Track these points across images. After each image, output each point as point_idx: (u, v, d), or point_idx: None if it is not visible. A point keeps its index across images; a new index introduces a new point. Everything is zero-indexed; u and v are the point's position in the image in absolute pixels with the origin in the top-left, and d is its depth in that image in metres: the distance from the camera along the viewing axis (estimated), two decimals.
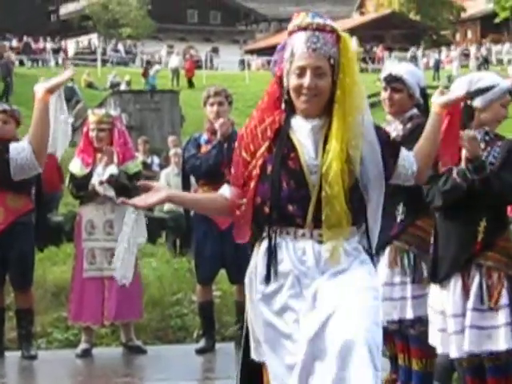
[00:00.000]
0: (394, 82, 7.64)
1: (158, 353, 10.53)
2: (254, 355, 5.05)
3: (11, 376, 8.80)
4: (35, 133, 5.02)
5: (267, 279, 4.82)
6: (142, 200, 4.83)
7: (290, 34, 4.88)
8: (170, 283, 13.90)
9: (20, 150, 5.00)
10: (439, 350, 7.12)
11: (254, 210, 4.90)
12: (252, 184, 4.84)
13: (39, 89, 5.14)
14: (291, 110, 4.87)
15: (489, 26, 65.00)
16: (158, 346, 11.17)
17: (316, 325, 4.72)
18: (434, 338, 6.98)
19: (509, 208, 9.18)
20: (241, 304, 8.03)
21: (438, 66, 53.22)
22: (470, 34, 69.02)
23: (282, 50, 4.96)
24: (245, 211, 4.92)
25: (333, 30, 4.81)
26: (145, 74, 46.88)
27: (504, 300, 6.61)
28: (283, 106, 4.90)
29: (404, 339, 7.85)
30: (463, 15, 69.64)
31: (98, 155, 9.86)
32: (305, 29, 4.78)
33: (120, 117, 10.32)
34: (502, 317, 6.62)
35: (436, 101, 5.36)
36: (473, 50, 59.93)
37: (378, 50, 56.06)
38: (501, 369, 6.84)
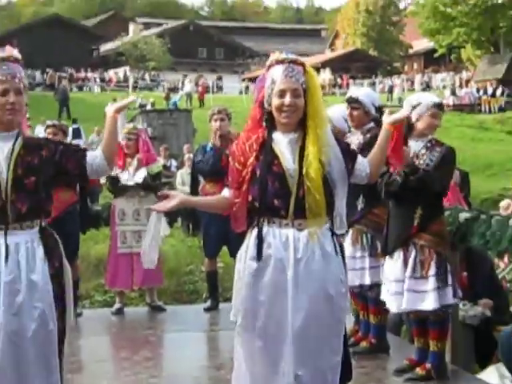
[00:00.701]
0: (352, 102, 7.68)
1: (174, 311, 10.56)
2: (231, 316, 4.91)
3: None
4: (107, 143, 4.89)
5: (258, 258, 4.68)
6: (163, 206, 4.87)
7: (269, 67, 4.93)
8: (184, 257, 13.91)
9: (94, 156, 4.88)
10: (390, 308, 7.10)
11: (247, 205, 4.84)
12: (245, 186, 4.81)
13: (110, 109, 5.02)
14: (272, 127, 4.88)
15: (430, 60, 64.86)
16: (175, 306, 11.08)
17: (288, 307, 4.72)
18: (386, 299, 6.92)
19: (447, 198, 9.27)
20: None
21: (391, 91, 53.02)
22: (415, 66, 68.80)
23: (260, 81, 5.05)
24: (239, 207, 4.91)
25: (302, 64, 4.88)
26: (166, 98, 46.77)
27: (432, 271, 6.64)
28: (264, 124, 4.89)
29: (364, 300, 7.94)
30: (410, 51, 69.41)
31: (128, 159, 9.78)
32: (281, 62, 4.82)
33: (145, 130, 10.60)
34: (430, 283, 6.66)
35: (385, 120, 5.35)
36: (418, 78, 59.85)
37: (345, 79, 55.84)
38: (438, 322, 6.85)
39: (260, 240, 4.79)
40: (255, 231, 4.83)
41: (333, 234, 4.91)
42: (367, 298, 7.79)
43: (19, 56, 4.98)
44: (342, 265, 4.91)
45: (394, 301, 6.90)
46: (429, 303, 6.70)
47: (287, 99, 4.74)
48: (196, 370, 7.36)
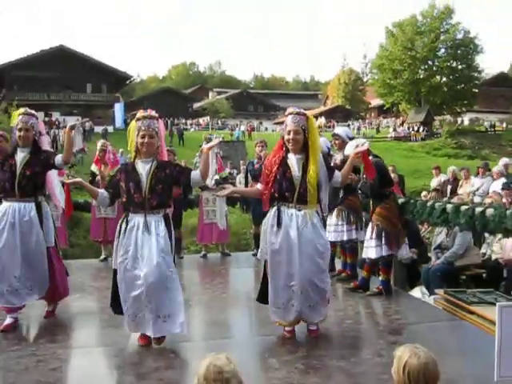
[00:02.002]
0: (335, 135, 7.72)
1: (235, 256, 10.36)
2: (258, 255, 5.47)
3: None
4: (203, 167, 4.94)
5: (278, 225, 5.04)
6: (222, 192, 5.30)
7: (286, 116, 5.22)
8: (241, 224, 13.82)
9: (195, 174, 4.93)
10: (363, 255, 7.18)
11: (271, 195, 5.13)
12: (270, 184, 5.13)
13: (205, 147, 5.09)
14: (287, 150, 5.17)
15: (381, 111, 64.17)
16: (236, 253, 10.89)
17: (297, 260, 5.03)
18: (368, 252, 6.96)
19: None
20: None
21: (359, 129, 52.62)
22: (372, 114, 68.06)
23: (283, 124, 5.28)
24: (267, 196, 5.19)
25: (304, 114, 5.15)
26: (231, 134, 46.71)
27: (374, 234, 6.77)
28: (284, 148, 5.18)
29: (343, 249, 7.90)
30: (370, 106, 68.78)
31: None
32: (291, 114, 5.14)
33: (219, 152, 10.33)
34: (372, 242, 6.81)
35: (353, 152, 5.45)
36: (374, 121, 59.52)
37: (332, 122, 55.29)
38: (385, 263, 6.90)
39: (278, 214, 5.03)
40: (274, 209, 5.10)
41: (318, 213, 5.16)
42: (345, 248, 7.80)
43: (156, 114, 5.06)
44: (323, 231, 5.19)
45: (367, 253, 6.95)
46: (371, 254, 6.80)
47: (291, 136, 5.05)
48: (248, 288, 7.37)
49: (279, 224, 5.03)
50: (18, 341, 5.25)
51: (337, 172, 5.29)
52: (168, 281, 4.88)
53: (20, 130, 5.63)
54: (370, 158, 6.75)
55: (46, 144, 5.98)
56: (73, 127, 5.63)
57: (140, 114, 5.07)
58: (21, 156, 5.64)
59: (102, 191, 5.11)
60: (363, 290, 6.96)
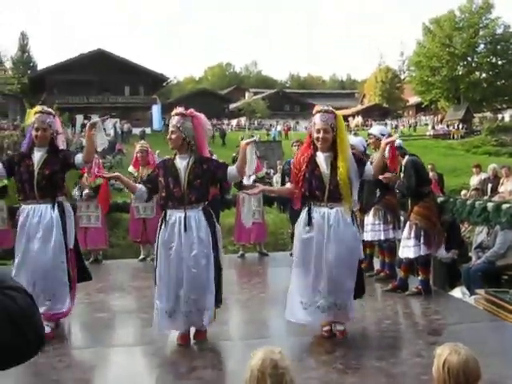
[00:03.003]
0: (370, 135, 7.60)
1: (273, 256, 10.35)
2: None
3: None
4: (240, 163, 4.97)
5: (308, 223, 5.03)
6: (253, 191, 5.39)
7: (314, 114, 5.13)
8: (278, 225, 13.78)
9: (231, 169, 4.98)
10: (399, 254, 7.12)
11: (301, 194, 5.12)
12: (300, 183, 5.11)
13: (242, 143, 5.11)
14: (315, 148, 5.12)
15: (419, 109, 63.27)
16: (273, 253, 10.84)
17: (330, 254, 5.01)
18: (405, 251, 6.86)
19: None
20: None
21: (396, 127, 51.97)
22: (410, 112, 67.21)
23: (311, 122, 5.29)
24: (297, 195, 5.18)
25: (332, 112, 5.08)
26: (267, 134, 46.70)
27: (413, 233, 6.63)
28: (312, 146, 5.13)
29: (381, 248, 7.83)
30: (407, 104, 67.87)
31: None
32: (319, 112, 5.07)
33: (256, 152, 10.26)
34: (411, 242, 6.68)
35: (382, 141, 5.50)
36: (412, 120, 58.70)
37: (370, 121, 54.71)
38: (422, 263, 6.83)
39: (309, 213, 5.01)
40: (306, 208, 5.08)
41: (350, 210, 5.09)
42: (383, 246, 7.74)
43: (185, 112, 5.09)
44: (355, 228, 5.09)
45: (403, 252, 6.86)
46: (409, 253, 6.70)
47: (320, 134, 4.98)
48: (285, 287, 7.35)
49: (310, 223, 5.03)
50: (59, 339, 5.35)
51: (368, 165, 5.21)
52: (205, 275, 4.93)
53: (37, 129, 5.41)
54: (406, 156, 6.71)
55: (61, 143, 5.74)
56: (93, 125, 5.39)
57: (174, 111, 5.17)
58: (38, 156, 5.43)
59: (140, 186, 5.21)
60: (402, 291, 6.88)
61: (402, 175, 6.68)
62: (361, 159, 5.32)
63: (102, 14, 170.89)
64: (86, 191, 9.42)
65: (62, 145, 5.72)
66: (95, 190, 9.39)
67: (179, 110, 5.14)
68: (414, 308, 6.43)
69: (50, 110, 5.62)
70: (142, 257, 9.82)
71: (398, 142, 6.01)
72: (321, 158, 5.07)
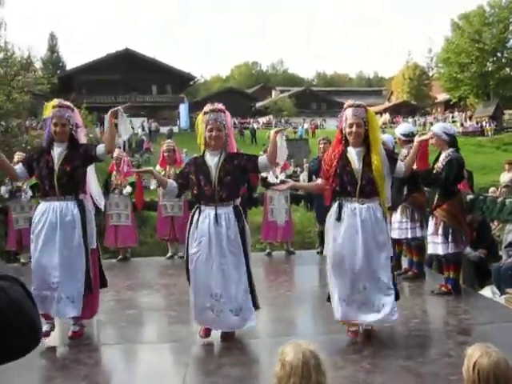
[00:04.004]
0: (399, 130, 7.58)
1: (300, 254, 10.32)
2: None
3: None
4: (270, 152, 4.96)
5: (338, 219, 4.96)
6: (282, 187, 5.42)
7: (345, 109, 5.09)
8: (305, 223, 13.74)
9: (261, 159, 4.99)
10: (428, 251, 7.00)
11: (332, 189, 5.07)
12: (331, 179, 5.07)
13: (272, 132, 5.11)
14: (346, 144, 5.07)
15: (447, 106, 62.48)
16: (300, 251, 10.78)
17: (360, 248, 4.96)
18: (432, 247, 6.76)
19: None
20: None
21: (424, 125, 51.37)
22: (439, 109, 66.35)
23: (341, 117, 5.20)
24: (328, 191, 5.16)
25: (364, 107, 5.08)
26: (294, 132, 46.57)
27: (440, 231, 6.50)
28: (343, 142, 5.08)
29: (409, 247, 7.76)
30: (436, 101, 67.03)
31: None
32: (351, 106, 5.03)
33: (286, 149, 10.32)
34: (438, 239, 6.57)
35: (416, 139, 5.42)
36: (439, 116, 57.93)
37: (398, 119, 54.15)
38: (453, 261, 6.69)
39: (340, 209, 4.97)
40: (336, 204, 5.03)
41: (382, 207, 5.05)
42: (411, 245, 7.68)
43: (223, 107, 5.11)
44: (386, 224, 5.06)
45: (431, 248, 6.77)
46: (437, 250, 6.62)
47: (353, 128, 4.94)
48: (313, 286, 7.35)
49: (339, 218, 4.98)
50: (89, 335, 5.43)
51: (399, 162, 5.20)
52: (234, 273, 4.94)
53: (55, 124, 5.17)
54: (451, 150, 6.60)
55: (83, 137, 5.49)
56: (115, 113, 5.13)
57: (207, 107, 5.14)
58: (58, 151, 5.21)
59: (171, 181, 5.21)
60: (455, 292, 6.70)
61: (439, 166, 6.61)
62: (392, 156, 5.33)
63: (129, 13, 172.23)
64: (129, 189, 9.49)
65: (83, 139, 5.49)
66: (132, 186, 9.35)
67: (218, 105, 5.13)
68: (443, 307, 6.35)
69: (68, 103, 5.38)
70: (169, 254, 9.87)
71: (430, 133, 6.00)
72: (352, 154, 5.02)
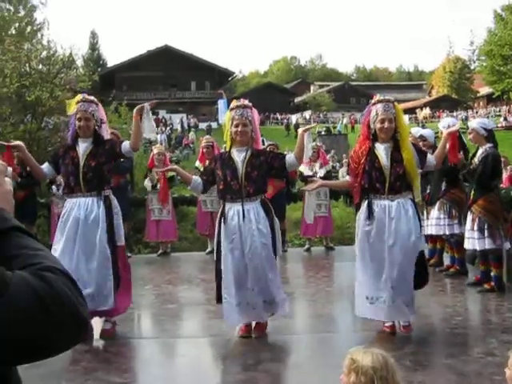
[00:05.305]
0: (442, 124, 7.21)
1: (340, 249, 10.25)
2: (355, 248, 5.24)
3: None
4: (298, 150, 4.93)
5: (369, 217, 4.91)
6: (311, 186, 5.34)
7: (373, 104, 5.03)
8: (345, 218, 13.64)
9: (289, 156, 4.98)
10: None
11: (361, 187, 5.01)
12: (359, 176, 5.01)
13: (300, 130, 5.08)
14: (374, 140, 5.00)
15: (490, 99, 61.18)
16: (339, 247, 10.72)
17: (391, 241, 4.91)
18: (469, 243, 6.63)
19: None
20: None
21: (466, 119, 50.44)
22: (481, 103, 65.05)
23: (367, 112, 5.14)
24: (357, 188, 5.11)
25: (392, 102, 5.03)
26: (333, 127, 46.27)
27: (476, 226, 6.42)
28: (371, 137, 5.01)
29: (449, 243, 7.68)
30: (478, 95, 65.72)
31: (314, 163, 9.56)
32: (381, 102, 4.99)
33: (321, 146, 10.23)
34: (475, 234, 6.47)
35: (444, 131, 5.48)
36: (482, 111, 56.76)
37: (439, 113, 53.28)
38: (495, 257, 6.59)
39: (370, 206, 4.91)
40: (366, 202, 4.96)
41: (412, 202, 5.00)
42: (451, 242, 7.59)
43: (249, 104, 5.11)
44: (417, 220, 4.97)
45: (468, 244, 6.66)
46: (473, 245, 6.52)
47: (385, 124, 4.90)
48: (352, 282, 7.27)
49: (370, 216, 4.92)
50: (129, 329, 5.50)
51: (429, 155, 5.14)
52: (267, 265, 4.94)
53: (79, 119, 5.09)
54: (488, 145, 6.47)
55: (105, 133, 5.42)
56: (140, 110, 5.10)
57: (233, 103, 5.16)
58: (83, 147, 5.15)
59: (195, 178, 5.21)
60: (498, 290, 6.55)
61: (476, 162, 6.51)
62: (421, 149, 5.34)
63: (168, 9, 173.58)
64: (148, 183, 9.65)
65: (106, 134, 5.44)
66: (172, 181, 9.66)
67: (244, 101, 5.14)
68: (485, 305, 6.24)
69: (92, 97, 5.31)
70: (209, 250, 9.87)
71: (457, 125, 5.90)
72: (380, 150, 4.97)
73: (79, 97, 5.27)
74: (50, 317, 1.07)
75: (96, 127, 5.20)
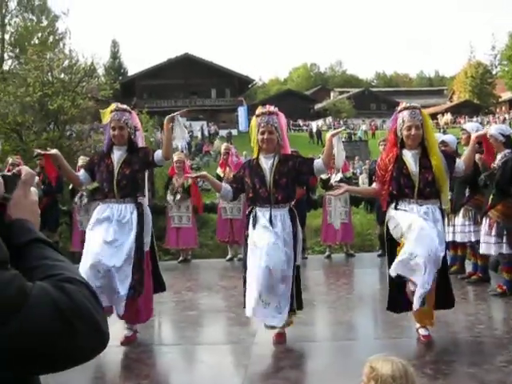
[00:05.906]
0: (462, 130, 7.46)
1: (360, 256, 10.30)
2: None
3: None
4: (325, 154, 4.95)
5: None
6: (337, 192, 5.25)
7: (400, 111, 5.02)
8: (365, 225, 13.55)
9: (317, 162, 4.98)
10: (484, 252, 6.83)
11: (389, 193, 4.96)
12: (387, 183, 4.96)
13: (328, 135, 5.08)
14: (402, 146, 4.98)
15: None
16: (359, 253, 10.71)
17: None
18: (485, 248, 6.63)
19: None
20: None
21: (489, 123, 49.84)
22: (503, 108, 64.39)
23: (393, 120, 5.12)
24: (384, 195, 5.03)
25: (419, 109, 5.03)
26: (354, 134, 46.14)
27: (493, 232, 6.44)
28: (398, 145, 4.99)
29: (473, 250, 7.62)
30: (500, 100, 65.12)
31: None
32: (407, 109, 4.97)
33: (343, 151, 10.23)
34: (492, 239, 6.48)
35: (472, 135, 5.48)
36: (504, 116, 56.28)
37: (460, 119, 52.88)
38: (506, 263, 6.64)
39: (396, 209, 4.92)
40: (393, 205, 4.95)
41: (441, 208, 5.00)
42: (474, 248, 7.50)
43: (275, 110, 5.11)
44: (443, 232, 4.97)
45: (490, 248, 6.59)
46: (489, 250, 6.54)
47: (412, 131, 4.89)
48: (373, 289, 7.27)
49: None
50: (150, 336, 5.52)
51: (458, 160, 5.12)
52: (285, 273, 4.91)
53: (114, 128, 5.23)
54: (507, 151, 6.41)
55: (140, 140, 5.51)
56: (171, 119, 5.25)
57: (259, 110, 5.17)
58: (117, 155, 5.27)
59: (225, 185, 5.27)
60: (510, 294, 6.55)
61: (495, 168, 6.46)
62: (450, 155, 5.30)
63: (188, 18, 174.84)
64: (178, 197, 9.63)
65: (141, 142, 5.53)
66: (187, 192, 9.65)
67: (269, 107, 5.13)
68: (509, 313, 6.15)
69: (125, 106, 5.44)
70: (229, 257, 9.95)
71: (485, 129, 5.88)
72: (408, 156, 4.95)
73: (113, 106, 5.39)
74: (70, 328, 1.07)
75: (131, 135, 5.31)
